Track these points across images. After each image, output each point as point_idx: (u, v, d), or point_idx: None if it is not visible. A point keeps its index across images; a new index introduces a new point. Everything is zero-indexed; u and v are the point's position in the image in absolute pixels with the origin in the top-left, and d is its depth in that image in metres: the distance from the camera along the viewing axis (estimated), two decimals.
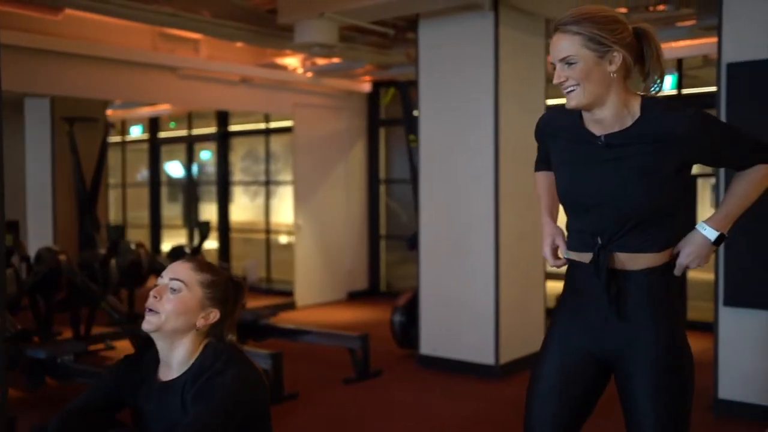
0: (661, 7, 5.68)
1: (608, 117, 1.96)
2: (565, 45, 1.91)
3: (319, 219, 8.78)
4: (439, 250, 5.66)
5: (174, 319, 1.86)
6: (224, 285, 1.96)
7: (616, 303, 1.99)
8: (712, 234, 2.00)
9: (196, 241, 7.03)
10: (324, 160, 8.83)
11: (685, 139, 1.90)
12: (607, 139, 1.97)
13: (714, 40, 5.91)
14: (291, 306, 8.41)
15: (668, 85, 6.54)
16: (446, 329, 5.63)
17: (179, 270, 1.91)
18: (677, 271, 2.04)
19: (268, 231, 10.29)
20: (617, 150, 1.95)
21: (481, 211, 5.40)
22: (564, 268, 2.18)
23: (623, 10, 5.78)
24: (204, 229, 6.61)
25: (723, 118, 4.38)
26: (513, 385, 5.17)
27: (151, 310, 1.87)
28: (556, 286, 7.65)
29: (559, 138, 2.09)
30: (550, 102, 5.94)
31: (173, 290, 1.88)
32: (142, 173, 12.13)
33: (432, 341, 5.69)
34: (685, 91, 6.90)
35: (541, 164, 2.33)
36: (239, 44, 7.34)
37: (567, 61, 1.92)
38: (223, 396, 1.77)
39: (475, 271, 5.46)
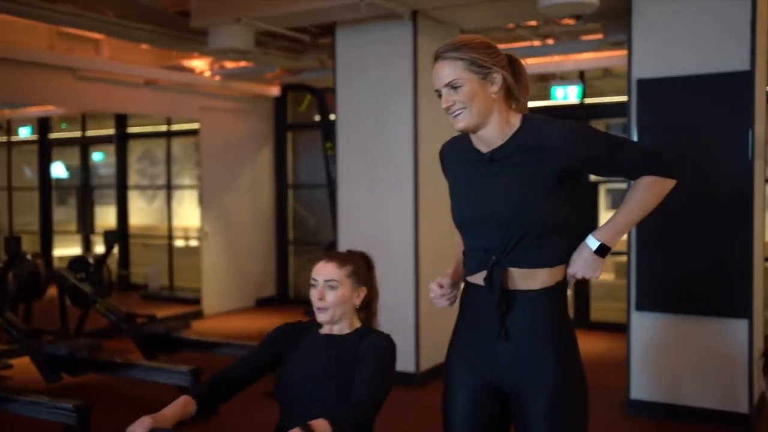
0: (569, 21, 5.91)
1: (492, 134, 2.04)
2: (449, 70, 1.99)
3: (226, 225, 8.58)
4: None
5: (339, 307, 2.35)
6: (362, 267, 2.43)
7: (504, 324, 2.03)
8: (594, 244, 2.02)
9: (101, 251, 6.71)
10: (231, 164, 8.64)
11: (558, 149, 1.97)
12: (491, 155, 2.05)
13: (618, 53, 6.22)
14: (198, 315, 8.18)
15: (574, 96, 6.79)
16: None
17: (329, 272, 2.35)
18: (569, 282, 2.09)
19: (170, 236, 9.98)
20: (500, 164, 2.04)
21: (400, 218, 5.44)
22: None
23: (533, 23, 5.98)
24: (110, 239, 6.32)
25: (633, 129, 4.60)
26: (434, 392, 5.21)
27: (320, 308, 2.34)
28: None
29: (453, 163, 2.18)
30: None
31: (331, 288, 2.33)
32: (30, 175, 11.49)
33: None
34: (588, 100, 7.19)
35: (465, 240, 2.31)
36: (144, 45, 7.08)
37: (452, 85, 1.99)
38: (388, 353, 2.30)
39: (395, 279, 5.48)
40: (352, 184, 5.64)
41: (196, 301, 8.53)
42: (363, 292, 2.41)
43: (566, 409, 2.02)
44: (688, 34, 4.46)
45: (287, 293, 9.25)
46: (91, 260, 6.63)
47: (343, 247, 5.70)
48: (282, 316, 8.12)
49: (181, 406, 2.16)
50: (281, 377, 2.39)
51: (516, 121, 2.04)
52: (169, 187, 9.99)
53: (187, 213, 10.25)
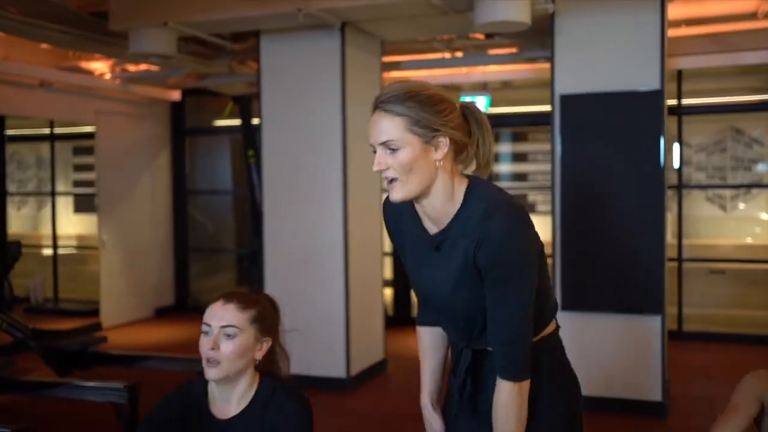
0: (480, 36, 6.20)
1: (435, 210, 1.74)
2: (387, 126, 1.66)
3: (123, 232, 8.26)
4: (285, 266, 5.65)
5: (236, 362, 1.90)
6: (269, 312, 2.02)
7: (473, 401, 1.86)
8: None
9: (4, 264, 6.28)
10: (128, 170, 8.33)
11: (478, 242, 1.68)
12: (435, 239, 1.77)
13: (523, 67, 6.59)
14: (97, 327, 7.81)
15: (482, 106, 7.10)
16: (294, 347, 5.62)
17: (227, 316, 1.91)
18: None
19: (55, 245, 9.47)
20: (443, 252, 1.76)
21: (329, 224, 5.49)
22: None
23: (446, 37, 6.21)
24: (13, 251, 5.94)
25: (557, 143, 4.91)
26: (366, 396, 5.33)
27: (211, 361, 1.87)
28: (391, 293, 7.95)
29: (398, 231, 1.88)
30: None
31: (228, 336, 1.90)
32: None
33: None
34: (492, 110, 7.54)
35: (424, 312, 2.01)
36: (44, 45, 6.71)
37: (389, 146, 1.67)
38: (305, 421, 1.93)
39: (325, 285, 5.53)
40: (278, 191, 5.64)
41: (90, 313, 8.16)
42: (267, 343, 2.00)
43: None
44: (605, 53, 4.83)
45: (186, 302, 9.02)
46: None
47: (269, 255, 5.69)
48: (183, 326, 7.93)
49: None
50: None
51: (460, 192, 1.73)
52: (53, 194, 9.48)
53: (62, 220, 9.77)
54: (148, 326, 8.15)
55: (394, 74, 6.87)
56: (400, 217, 1.85)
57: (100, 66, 7.37)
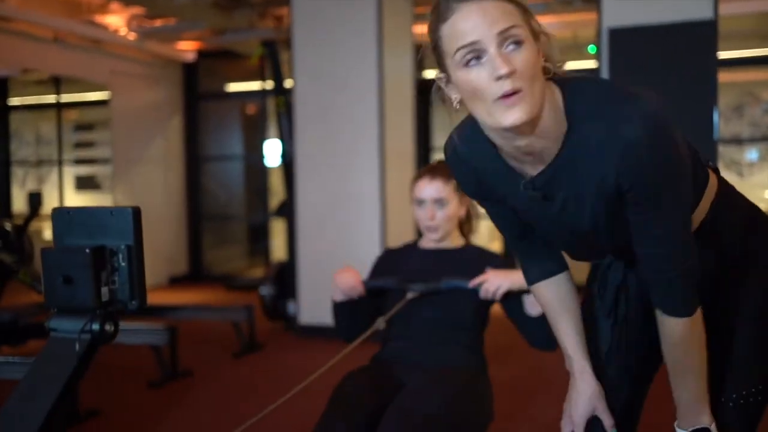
0: None
1: (545, 136, 1.27)
2: (503, 12, 1.17)
3: (137, 200, 8.04)
4: (318, 217, 5.47)
5: (449, 223, 2.32)
6: None
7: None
8: None
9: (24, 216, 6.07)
10: (141, 136, 8.12)
11: (612, 161, 1.26)
12: (537, 182, 1.33)
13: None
14: None
15: None
16: (327, 297, 5.45)
17: (436, 189, 2.27)
18: None
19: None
20: (558, 193, 1.34)
21: (366, 175, 5.32)
22: None
23: None
24: (35, 202, 5.73)
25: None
26: None
27: (431, 227, 2.30)
28: None
29: (489, 179, 1.41)
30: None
31: (440, 206, 2.28)
32: None
33: (312, 311, 5.50)
34: None
35: (533, 265, 1.55)
36: None
37: (514, 39, 1.17)
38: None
39: (360, 235, 5.37)
40: (311, 142, 5.46)
41: None
42: (466, 203, 2.37)
43: None
44: None
45: (201, 270, 8.82)
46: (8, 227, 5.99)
47: (302, 207, 5.52)
48: (197, 294, 7.75)
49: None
50: (390, 300, 2.35)
51: (561, 109, 1.27)
52: (60, 162, 9.23)
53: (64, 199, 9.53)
54: (163, 293, 7.95)
55: (421, 28, 6.70)
56: (480, 172, 1.40)
57: (115, 20, 7.15)
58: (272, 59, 5.72)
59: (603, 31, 4.77)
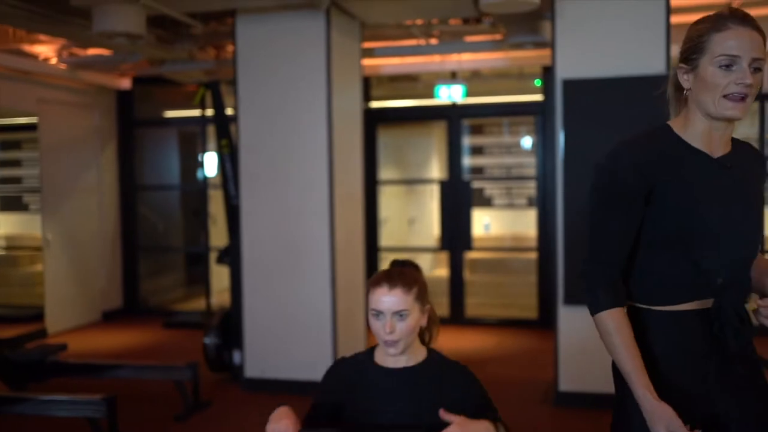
0: (456, 22, 5.98)
1: (728, 131, 1.78)
2: (760, 42, 1.66)
3: (69, 231, 7.66)
4: (265, 262, 5.27)
5: (410, 336, 2.06)
6: (423, 283, 2.10)
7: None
8: None
9: None
10: (73, 164, 7.73)
11: (762, 160, 1.87)
12: (725, 160, 1.78)
13: (501, 55, 6.41)
14: (42, 334, 7.21)
15: (458, 95, 6.88)
16: (275, 349, 5.27)
17: (397, 301, 2.03)
18: None
19: None
20: (736, 173, 1.78)
21: (314, 216, 5.15)
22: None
23: (420, 21, 5.96)
24: None
25: (559, 128, 4.71)
26: None
27: (391, 342, 2.04)
28: None
29: (675, 169, 1.75)
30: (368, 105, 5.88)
31: (400, 317, 2.03)
32: None
33: (259, 363, 5.28)
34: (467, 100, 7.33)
35: (611, 291, 1.77)
36: None
37: (758, 66, 1.66)
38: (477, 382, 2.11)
39: (309, 284, 5.19)
40: (257, 183, 5.26)
41: (29, 319, 7.51)
42: (428, 310, 2.11)
43: None
44: (608, 36, 4.66)
45: (137, 303, 8.46)
46: None
47: (247, 251, 5.30)
48: (134, 331, 7.43)
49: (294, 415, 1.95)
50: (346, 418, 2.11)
51: None
52: None
53: None
54: (96, 331, 7.58)
55: (367, 62, 6.56)
56: (666, 158, 1.74)
57: (45, 50, 6.77)
58: (215, 101, 5.50)
59: (557, 82, 4.73)
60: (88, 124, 7.91)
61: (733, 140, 1.82)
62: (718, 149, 1.77)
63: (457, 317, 7.59)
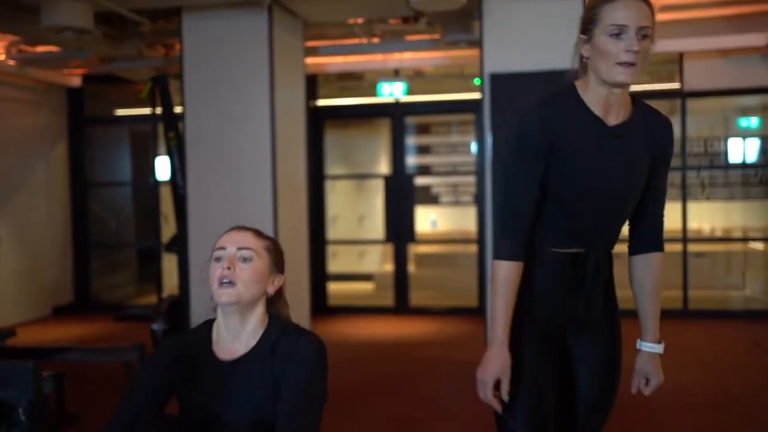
0: (395, 22, 6.28)
1: (623, 98, 1.89)
2: (647, 14, 1.79)
3: (17, 228, 7.75)
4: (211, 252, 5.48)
5: (251, 287, 1.81)
6: (279, 249, 1.96)
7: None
8: (661, 348, 2.05)
9: None
10: (22, 161, 7.82)
11: (658, 132, 2.00)
12: (617, 129, 1.90)
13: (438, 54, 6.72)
14: None
15: (399, 92, 7.17)
16: None
17: (244, 239, 1.86)
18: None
19: None
20: (626, 139, 1.91)
21: (258, 207, 5.39)
22: None
23: (361, 20, 6.24)
24: None
25: (487, 122, 5.03)
26: None
27: (227, 282, 1.79)
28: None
29: (564, 129, 1.87)
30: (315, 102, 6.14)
31: (245, 259, 1.83)
32: None
33: None
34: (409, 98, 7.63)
35: (517, 244, 1.90)
36: None
37: (644, 32, 1.78)
38: (317, 360, 1.80)
39: None
40: (203, 175, 5.48)
41: None
42: (279, 280, 1.93)
43: None
44: (533, 32, 5.00)
45: (88, 299, 8.56)
46: None
47: (194, 240, 5.51)
48: (84, 326, 7.54)
49: None
50: (184, 412, 1.90)
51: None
52: None
53: None
54: (45, 326, 7.67)
55: (311, 60, 6.82)
56: (566, 119, 1.87)
57: None
58: (162, 95, 5.70)
59: (485, 75, 5.05)
60: (37, 122, 8.02)
61: (636, 105, 1.93)
62: (613, 115, 1.89)
63: (402, 307, 7.88)
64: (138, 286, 9.29)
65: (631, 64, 1.78)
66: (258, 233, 1.94)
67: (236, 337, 1.86)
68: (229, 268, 1.80)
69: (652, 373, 2.02)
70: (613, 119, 1.89)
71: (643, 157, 1.93)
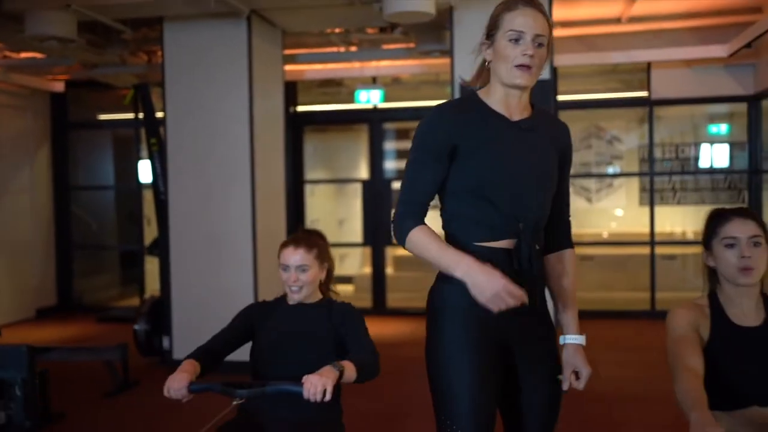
0: (373, 31, 6.48)
1: (524, 100, 2.04)
2: (543, 24, 1.96)
3: (2, 230, 7.87)
4: (192, 253, 5.65)
5: (310, 286, 2.60)
6: (324, 246, 2.65)
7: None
8: (581, 339, 2.12)
9: None
10: (5, 166, 7.95)
11: (561, 132, 2.16)
12: (524, 123, 2.03)
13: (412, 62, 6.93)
14: None
15: (376, 99, 7.38)
16: (202, 334, 5.58)
17: (299, 258, 2.57)
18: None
19: None
20: (534, 133, 2.05)
21: (238, 212, 5.56)
22: None
23: (338, 30, 6.44)
24: None
25: None
26: None
27: (295, 289, 2.58)
28: None
29: (469, 128, 2.00)
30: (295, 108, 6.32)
31: (303, 271, 2.57)
32: None
33: (186, 346, 5.64)
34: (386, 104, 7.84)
35: (414, 221, 2.01)
36: None
37: (539, 41, 1.95)
38: (361, 318, 2.58)
39: (233, 274, 5.58)
40: (185, 180, 5.64)
41: None
42: (325, 268, 2.66)
43: None
44: None
45: (71, 301, 8.68)
46: None
47: (174, 244, 5.67)
48: (67, 328, 7.66)
49: (193, 366, 2.37)
50: (257, 345, 2.62)
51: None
52: None
53: None
54: (29, 327, 7.80)
55: (290, 67, 7.00)
56: (468, 120, 1.98)
57: None
58: (144, 102, 5.85)
59: (455, 87, 5.26)
60: (21, 126, 8.14)
61: (536, 109, 2.09)
62: (515, 113, 2.03)
63: (379, 308, 8.07)
64: (121, 289, 9.42)
65: (527, 68, 1.93)
66: (308, 246, 2.60)
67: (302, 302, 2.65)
68: (295, 281, 2.57)
69: (581, 365, 2.07)
70: (516, 117, 2.03)
71: (551, 150, 2.07)
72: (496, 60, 1.98)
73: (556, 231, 2.15)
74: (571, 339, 2.10)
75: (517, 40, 1.93)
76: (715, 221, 2.16)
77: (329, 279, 2.73)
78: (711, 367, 2.06)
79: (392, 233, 2.05)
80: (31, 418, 1.63)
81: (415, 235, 1.98)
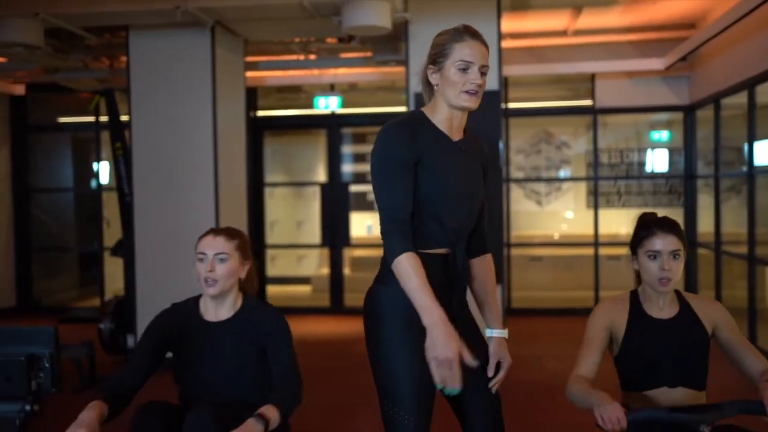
0: (332, 41, 6.76)
1: (463, 121, 2.27)
2: (487, 56, 2.18)
3: None
4: (156, 254, 5.84)
5: (228, 281, 2.43)
6: (246, 241, 2.53)
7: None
8: (506, 333, 2.35)
9: None
10: None
11: (486, 148, 2.42)
12: (461, 144, 2.24)
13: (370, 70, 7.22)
14: None
15: (334, 105, 7.65)
16: None
17: (218, 245, 2.44)
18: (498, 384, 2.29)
19: None
20: (468, 153, 2.27)
21: (201, 213, 5.77)
22: None
23: (298, 39, 6.70)
24: None
25: None
26: None
27: (210, 280, 2.41)
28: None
29: (423, 143, 2.16)
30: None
31: (221, 260, 2.42)
32: None
33: None
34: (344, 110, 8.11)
35: (406, 240, 2.12)
36: None
37: (483, 71, 2.17)
38: (286, 326, 2.46)
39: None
40: (150, 182, 5.83)
41: None
42: (248, 265, 2.50)
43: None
44: None
45: (30, 302, 8.75)
46: None
47: (139, 245, 5.86)
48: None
49: (99, 410, 2.19)
50: (177, 362, 2.48)
51: None
52: None
53: None
54: None
55: (251, 74, 7.23)
56: (423, 136, 2.16)
57: None
58: (110, 107, 6.02)
59: (410, 93, 5.57)
60: None
61: (469, 131, 2.30)
62: (455, 134, 2.24)
63: (337, 307, 8.34)
64: (80, 290, 9.50)
65: (474, 93, 2.15)
66: (229, 235, 2.47)
67: (219, 308, 2.48)
68: (210, 270, 2.39)
69: (504, 356, 2.30)
70: (455, 137, 2.24)
71: (480, 168, 2.32)
72: (444, 84, 2.17)
73: (478, 237, 2.37)
74: (497, 333, 2.32)
75: (465, 69, 2.13)
76: (642, 232, 2.39)
77: (250, 282, 2.56)
78: (627, 353, 2.35)
79: (386, 249, 2.13)
80: (56, 385, 2.15)
81: (405, 262, 2.07)
